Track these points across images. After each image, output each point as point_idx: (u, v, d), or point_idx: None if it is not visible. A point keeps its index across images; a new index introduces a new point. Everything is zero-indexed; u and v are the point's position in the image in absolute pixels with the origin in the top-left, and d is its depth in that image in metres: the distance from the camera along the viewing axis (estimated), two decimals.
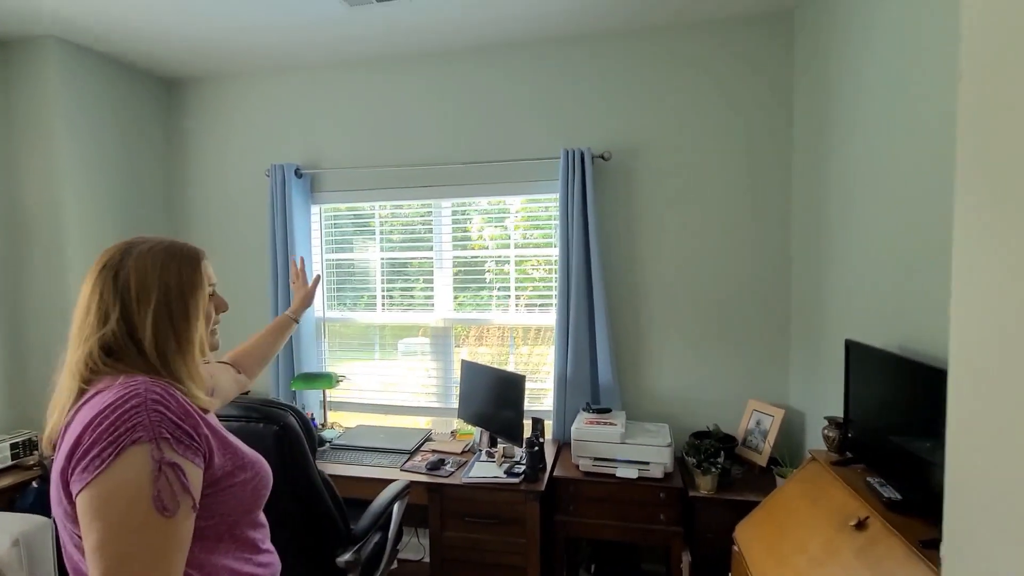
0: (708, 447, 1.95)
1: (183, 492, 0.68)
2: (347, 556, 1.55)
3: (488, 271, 2.62)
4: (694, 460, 1.95)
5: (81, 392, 0.75)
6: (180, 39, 2.37)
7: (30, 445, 2.28)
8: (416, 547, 2.68)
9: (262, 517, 0.89)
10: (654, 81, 2.33)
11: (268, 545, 0.89)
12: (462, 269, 2.65)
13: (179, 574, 0.67)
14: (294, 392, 2.66)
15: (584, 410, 2.25)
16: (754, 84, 2.24)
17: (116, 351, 0.76)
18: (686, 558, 1.92)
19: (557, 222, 2.39)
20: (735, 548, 1.57)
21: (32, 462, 2.25)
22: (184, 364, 0.79)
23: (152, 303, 0.78)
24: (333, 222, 2.80)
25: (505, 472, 2.01)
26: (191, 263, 0.83)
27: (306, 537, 1.53)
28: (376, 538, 1.83)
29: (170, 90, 2.89)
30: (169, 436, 0.69)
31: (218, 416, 1.46)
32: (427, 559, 2.61)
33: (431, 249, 2.68)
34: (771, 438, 2.07)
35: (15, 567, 1.64)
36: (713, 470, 1.91)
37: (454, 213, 2.65)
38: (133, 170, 2.69)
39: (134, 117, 2.69)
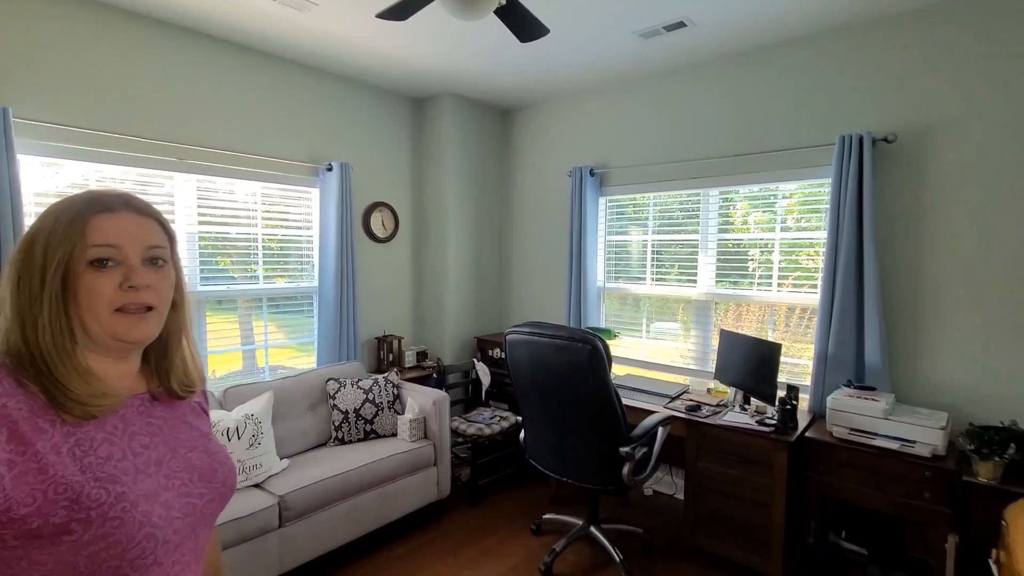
0: (992, 436, 1.89)
1: None
2: (627, 448, 2.17)
3: (751, 259, 2.88)
4: (972, 446, 1.92)
5: None
6: (514, 83, 3.34)
7: (424, 355, 3.63)
8: (670, 484, 3.18)
9: None
10: (958, 57, 2.22)
11: None
12: (725, 254, 2.98)
13: None
14: None
15: (845, 385, 2.36)
16: None
17: None
18: (952, 539, 1.92)
19: (827, 206, 2.51)
20: (1003, 523, 1.59)
21: (429, 363, 3.59)
22: (51, 355, 0.60)
23: (11, 272, 0.62)
24: (616, 210, 3.46)
25: (756, 422, 2.33)
26: (66, 217, 0.62)
27: (600, 425, 2.21)
28: (644, 450, 2.41)
29: (505, 116, 3.99)
30: None
31: (547, 336, 2.23)
32: (679, 495, 3.09)
33: (696, 232, 3.09)
34: None
35: (432, 415, 2.80)
36: (996, 458, 1.85)
37: (721, 201, 2.99)
38: (482, 177, 3.86)
39: (484, 139, 3.86)
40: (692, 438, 2.48)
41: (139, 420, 0.69)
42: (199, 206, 2.74)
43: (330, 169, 3.12)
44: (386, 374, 3.03)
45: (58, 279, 0.61)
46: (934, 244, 2.31)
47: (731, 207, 2.97)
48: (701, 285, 3.09)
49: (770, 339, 2.85)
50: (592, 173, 3.38)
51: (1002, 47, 2.12)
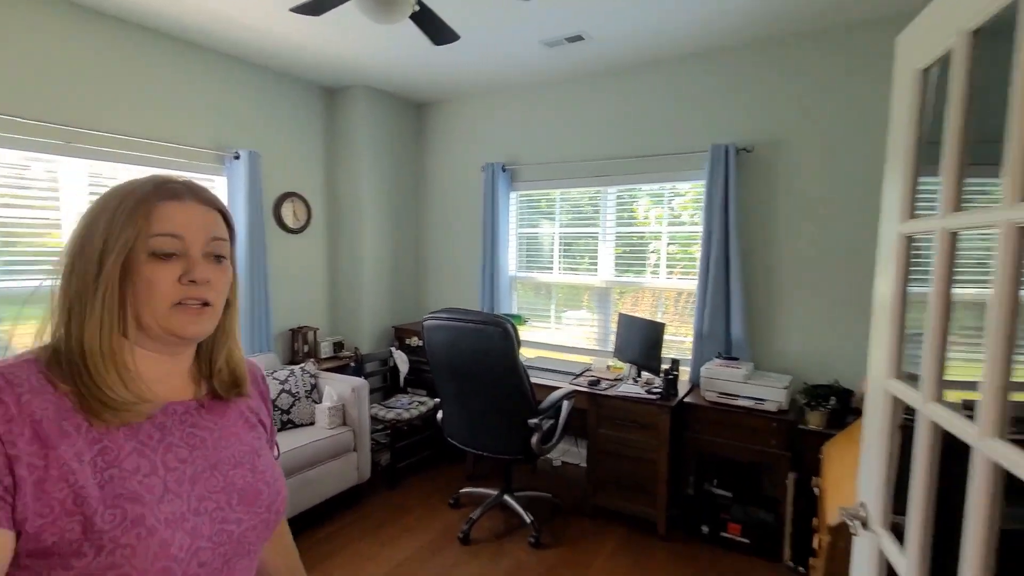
0: (818, 391, 2.36)
1: None
2: (535, 420, 2.42)
3: (653, 252, 3.24)
4: (805, 401, 2.38)
5: None
6: (427, 79, 3.46)
7: (340, 345, 3.66)
8: (576, 455, 3.51)
9: None
10: (795, 84, 2.69)
11: None
12: (626, 245, 3.33)
13: None
14: None
15: (716, 357, 2.78)
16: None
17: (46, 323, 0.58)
18: (792, 476, 2.38)
19: (703, 204, 2.91)
20: (821, 457, 2.03)
21: (346, 353, 3.63)
22: (94, 349, 0.55)
23: (65, 259, 0.58)
24: (527, 204, 3.70)
25: (645, 391, 2.68)
26: (130, 202, 0.58)
27: (510, 402, 2.43)
28: (551, 421, 2.68)
29: (419, 111, 4.08)
30: None
31: (462, 321, 2.42)
32: (584, 464, 3.42)
33: (598, 226, 3.41)
34: None
35: (351, 403, 2.88)
36: (821, 409, 2.32)
37: (619, 197, 3.33)
38: (397, 169, 3.93)
39: (399, 132, 3.92)
40: (593, 409, 2.78)
41: (180, 430, 0.63)
42: (91, 194, 2.57)
43: (237, 157, 3.04)
44: (302, 364, 3.04)
45: (118, 266, 0.57)
46: (781, 239, 2.78)
47: (634, 203, 3.31)
48: (602, 273, 3.42)
49: (658, 320, 3.25)
50: (504, 169, 3.58)
51: (829, 79, 2.61)
